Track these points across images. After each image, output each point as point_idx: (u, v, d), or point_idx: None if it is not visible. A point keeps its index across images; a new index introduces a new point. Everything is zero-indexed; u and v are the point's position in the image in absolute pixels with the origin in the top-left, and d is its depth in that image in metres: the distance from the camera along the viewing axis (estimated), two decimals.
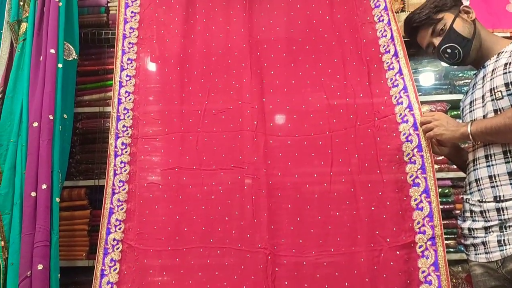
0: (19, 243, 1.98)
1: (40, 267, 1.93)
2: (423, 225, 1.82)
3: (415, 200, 1.86)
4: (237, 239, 2.00)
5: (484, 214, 1.66)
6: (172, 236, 2.05)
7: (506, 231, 1.59)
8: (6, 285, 1.95)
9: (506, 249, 1.59)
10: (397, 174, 1.92)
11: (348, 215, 1.95)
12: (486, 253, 1.66)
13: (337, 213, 1.97)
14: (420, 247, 1.81)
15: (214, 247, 2.00)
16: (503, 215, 1.60)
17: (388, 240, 1.86)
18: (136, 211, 2.13)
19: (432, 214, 1.81)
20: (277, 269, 1.92)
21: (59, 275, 2.01)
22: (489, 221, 1.64)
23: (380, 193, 1.92)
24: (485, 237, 1.66)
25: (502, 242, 1.60)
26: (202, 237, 2.03)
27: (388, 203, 1.90)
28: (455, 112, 2.54)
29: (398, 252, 1.83)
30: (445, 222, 2.29)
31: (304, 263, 1.92)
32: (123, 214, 2.13)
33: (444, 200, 2.43)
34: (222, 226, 2.03)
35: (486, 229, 1.65)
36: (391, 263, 1.83)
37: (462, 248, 2.37)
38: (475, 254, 1.71)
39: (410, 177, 1.89)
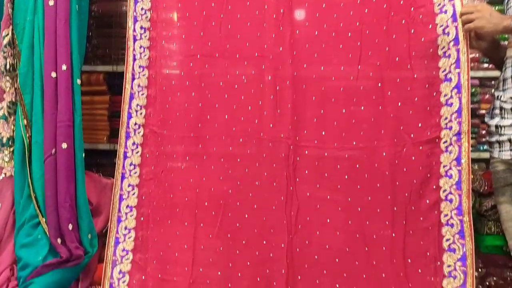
0: (42, 122, 1.99)
1: (64, 145, 1.96)
2: (450, 120, 1.78)
3: (445, 95, 1.80)
4: (259, 129, 1.99)
5: None
6: (195, 123, 2.04)
7: None
8: (31, 161, 2.00)
9: None
10: (428, 69, 1.84)
11: (373, 110, 1.91)
12: (511, 150, 1.65)
13: (362, 108, 1.93)
14: (444, 142, 1.79)
15: (236, 136, 2.00)
16: None
17: (412, 135, 1.84)
18: (158, 98, 2.10)
19: (461, 110, 1.77)
20: (298, 158, 1.94)
21: (83, 154, 2.04)
22: None
23: (408, 89, 1.87)
24: None
25: None
26: (225, 125, 2.02)
27: (416, 99, 1.85)
28: (499, 7, 2.37)
29: (421, 147, 1.83)
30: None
31: (326, 154, 1.93)
32: (144, 99, 2.11)
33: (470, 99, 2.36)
34: (245, 115, 2.01)
35: None
36: (413, 158, 1.83)
37: (481, 147, 2.38)
38: (499, 151, 1.71)
39: (442, 71, 1.81)
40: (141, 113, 2.10)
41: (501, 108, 1.69)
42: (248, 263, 1.92)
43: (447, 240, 1.75)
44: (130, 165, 2.10)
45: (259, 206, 1.95)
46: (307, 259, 1.90)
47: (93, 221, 2.09)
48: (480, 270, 1.96)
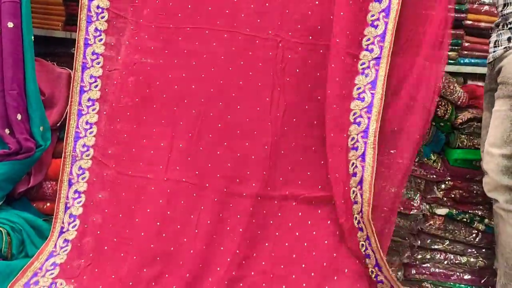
0: None
1: (10, 24, 1.73)
2: (373, 43, 1.64)
3: (372, 16, 1.64)
4: (245, 23, 1.79)
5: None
6: (174, 12, 1.82)
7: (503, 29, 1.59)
8: None
9: (496, 51, 1.60)
10: None
11: None
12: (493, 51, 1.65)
13: None
14: (362, 64, 1.66)
15: (220, 30, 1.80)
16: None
17: (337, 41, 1.66)
18: None
19: (385, 35, 1.61)
20: (289, 56, 1.76)
21: (32, 37, 1.82)
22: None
23: None
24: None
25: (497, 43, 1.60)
26: (207, 18, 1.80)
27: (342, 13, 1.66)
28: None
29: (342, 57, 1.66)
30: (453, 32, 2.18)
31: (321, 51, 1.75)
32: None
33: (457, 8, 2.22)
34: (230, 7, 1.79)
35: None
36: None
37: (462, 60, 2.30)
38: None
39: None
40: None
41: None
42: (229, 164, 1.81)
43: (352, 164, 1.67)
44: (93, 54, 1.89)
45: (242, 107, 1.80)
46: (291, 162, 1.80)
47: (46, 113, 1.91)
48: (446, 183, 1.94)
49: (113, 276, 1.69)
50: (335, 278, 1.66)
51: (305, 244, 1.73)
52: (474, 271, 1.96)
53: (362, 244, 1.63)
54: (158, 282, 1.67)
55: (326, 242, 1.71)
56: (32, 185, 1.91)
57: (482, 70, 2.17)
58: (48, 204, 1.96)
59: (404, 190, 1.83)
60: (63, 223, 1.84)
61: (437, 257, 1.97)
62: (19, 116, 1.80)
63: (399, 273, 1.96)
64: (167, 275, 1.69)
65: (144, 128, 1.86)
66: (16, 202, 1.91)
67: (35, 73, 1.85)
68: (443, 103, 1.89)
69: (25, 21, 1.78)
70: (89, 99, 1.91)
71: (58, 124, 1.98)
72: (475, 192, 1.93)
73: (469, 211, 1.93)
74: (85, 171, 1.89)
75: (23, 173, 1.86)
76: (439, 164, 1.95)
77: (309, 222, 1.76)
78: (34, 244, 1.80)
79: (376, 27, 1.64)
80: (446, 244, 1.96)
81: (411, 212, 1.91)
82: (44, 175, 1.94)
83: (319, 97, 1.74)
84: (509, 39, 1.55)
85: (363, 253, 1.64)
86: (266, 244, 1.75)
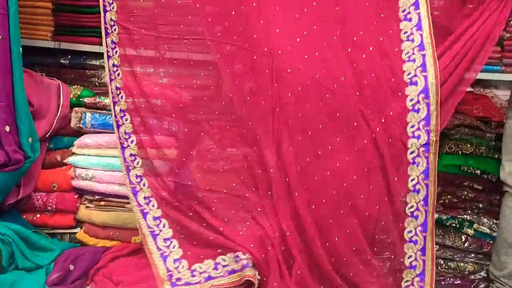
0: None
1: None
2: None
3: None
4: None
5: None
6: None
7: None
8: None
9: None
10: None
11: None
12: None
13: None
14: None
15: (221, 42, 1.82)
16: None
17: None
18: None
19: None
20: None
21: (21, 49, 1.82)
22: None
23: None
24: None
25: None
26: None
27: None
28: None
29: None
30: None
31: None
32: None
33: None
34: None
35: None
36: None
37: None
38: None
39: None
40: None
41: None
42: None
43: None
44: (113, 66, 1.92)
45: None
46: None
47: (35, 124, 1.91)
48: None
49: None
50: None
51: None
52: (464, 276, 1.97)
53: None
54: None
55: None
56: (21, 197, 1.90)
57: None
58: (38, 216, 1.96)
59: None
60: None
61: None
62: (7, 128, 1.80)
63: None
64: None
65: None
66: (6, 214, 1.91)
67: (24, 85, 1.85)
68: None
69: (13, 32, 1.78)
70: (120, 110, 1.93)
71: (47, 135, 1.98)
72: (463, 197, 1.95)
73: (458, 216, 1.95)
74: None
75: (13, 185, 1.86)
76: None
77: None
78: (24, 256, 1.78)
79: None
80: (435, 249, 1.98)
81: None
82: (33, 187, 1.94)
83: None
84: None
85: None
86: None
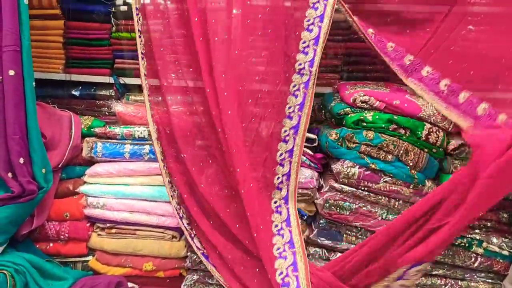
0: None
1: (11, 72, 1.79)
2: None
3: None
4: None
5: None
6: None
7: None
8: None
9: None
10: None
11: None
12: None
13: None
14: None
15: None
16: None
17: None
18: None
19: None
20: None
21: (34, 83, 1.88)
22: None
23: None
24: None
25: None
26: None
27: None
28: None
29: None
30: None
31: None
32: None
33: None
34: None
35: None
36: None
37: None
38: None
39: None
40: None
41: None
42: None
43: None
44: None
45: None
46: None
47: (48, 155, 1.96)
48: None
49: None
50: None
51: None
52: None
53: None
54: None
55: None
56: (35, 227, 1.94)
57: None
58: (51, 245, 2.00)
59: None
60: None
61: (437, 283, 1.97)
62: (21, 160, 1.85)
63: None
64: None
65: None
66: (20, 244, 1.95)
67: (37, 117, 1.90)
68: (435, 130, 1.92)
69: (26, 68, 1.84)
70: None
71: (60, 165, 2.03)
72: None
73: (467, 236, 1.95)
74: None
75: (26, 215, 1.90)
76: None
77: None
78: (38, 285, 1.82)
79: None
80: (445, 269, 1.97)
81: None
82: (46, 216, 1.99)
83: None
84: None
85: None
86: None
